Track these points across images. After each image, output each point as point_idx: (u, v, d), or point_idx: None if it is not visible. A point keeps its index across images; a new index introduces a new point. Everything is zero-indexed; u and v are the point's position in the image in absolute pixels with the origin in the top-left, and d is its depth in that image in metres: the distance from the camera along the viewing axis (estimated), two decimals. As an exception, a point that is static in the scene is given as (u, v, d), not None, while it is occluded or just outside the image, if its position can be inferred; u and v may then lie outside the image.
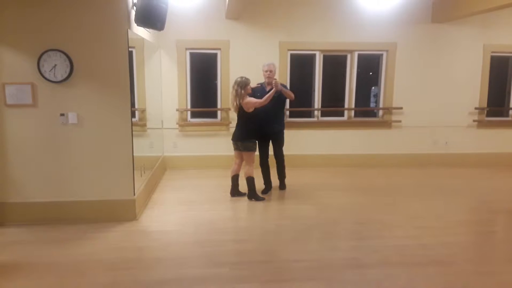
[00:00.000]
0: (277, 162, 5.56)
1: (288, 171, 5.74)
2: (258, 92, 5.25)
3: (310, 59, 7.11)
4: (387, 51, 7.03)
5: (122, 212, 4.39)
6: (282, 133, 5.50)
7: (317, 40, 6.86)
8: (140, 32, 4.94)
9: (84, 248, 3.73)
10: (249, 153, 5.07)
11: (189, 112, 6.95)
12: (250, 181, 5.11)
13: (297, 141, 7.07)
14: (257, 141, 5.17)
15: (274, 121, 5.34)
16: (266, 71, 5.22)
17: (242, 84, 4.94)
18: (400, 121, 7.17)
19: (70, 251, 3.67)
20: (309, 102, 7.23)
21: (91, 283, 3.09)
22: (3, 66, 4.11)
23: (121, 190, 4.39)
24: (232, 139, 5.20)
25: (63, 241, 3.88)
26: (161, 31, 5.03)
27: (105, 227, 4.20)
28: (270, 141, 5.53)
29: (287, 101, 5.61)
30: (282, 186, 5.68)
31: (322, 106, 7.17)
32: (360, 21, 6.85)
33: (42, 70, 4.08)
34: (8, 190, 4.30)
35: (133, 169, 4.41)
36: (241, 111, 5.02)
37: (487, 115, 7.39)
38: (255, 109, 4.98)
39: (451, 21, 6.87)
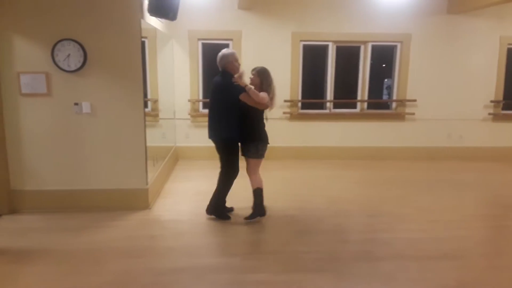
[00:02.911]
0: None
1: (299, 163, 5.72)
2: None
3: (323, 50, 7.05)
4: (401, 42, 6.93)
5: (135, 201, 4.43)
6: (223, 145, 4.09)
7: (330, 30, 6.79)
8: (152, 22, 4.94)
9: (98, 236, 3.78)
10: (251, 160, 4.15)
11: (201, 103, 6.96)
12: (256, 194, 4.18)
13: (309, 132, 7.06)
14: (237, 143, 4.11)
15: (213, 123, 4.14)
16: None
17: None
18: (413, 114, 7.09)
19: (84, 238, 3.73)
20: (321, 93, 7.19)
21: (105, 270, 3.13)
22: (18, 55, 4.15)
23: (134, 180, 4.43)
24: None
25: (78, 229, 3.94)
26: (174, 21, 5.03)
27: (119, 216, 4.25)
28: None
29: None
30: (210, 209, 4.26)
31: (334, 98, 7.12)
32: (374, 12, 6.75)
33: (56, 60, 4.11)
34: (24, 178, 4.37)
35: (146, 159, 4.44)
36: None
37: (503, 108, 7.26)
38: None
39: (467, 12, 6.74)
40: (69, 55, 4.11)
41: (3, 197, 4.28)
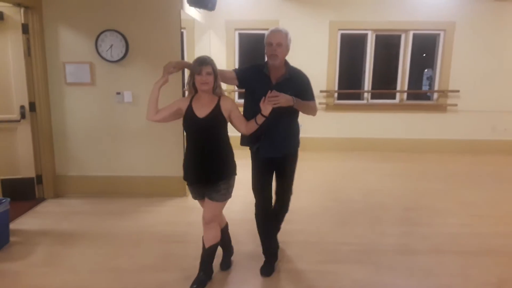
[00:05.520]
0: (277, 208, 3.15)
1: (335, 154, 5.62)
2: (255, 80, 2.87)
3: (361, 39, 6.89)
4: (444, 30, 6.67)
5: (173, 188, 4.53)
6: (294, 159, 3.03)
7: (370, 19, 6.62)
8: (191, 12, 4.98)
9: (138, 221, 3.91)
10: (224, 203, 2.79)
11: (236, 93, 7.00)
12: (213, 252, 2.82)
13: (345, 123, 6.96)
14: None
15: (280, 134, 2.86)
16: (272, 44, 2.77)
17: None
18: (456, 105, 6.82)
19: (125, 222, 3.87)
20: (358, 84, 7.05)
21: (145, 254, 3.25)
22: (63, 46, 4.31)
23: (172, 167, 4.52)
24: (193, 182, 2.75)
25: (119, 213, 4.09)
26: (212, 12, 5.05)
27: (157, 202, 4.37)
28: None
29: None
30: (269, 265, 3.02)
31: (372, 88, 6.97)
32: (417, -1, 6.53)
33: (100, 50, 4.24)
34: (68, 164, 4.56)
35: (184, 148, 4.52)
36: (212, 117, 2.60)
37: (553, 100, 6.87)
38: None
39: (517, -2, 6.40)
40: (112, 45, 4.23)
41: (48, 182, 4.49)
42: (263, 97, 2.56)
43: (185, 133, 2.67)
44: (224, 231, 3.00)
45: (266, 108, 2.56)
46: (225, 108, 2.62)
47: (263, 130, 2.74)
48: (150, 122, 4.51)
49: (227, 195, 2.73)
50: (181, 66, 2.82)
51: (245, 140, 2.95)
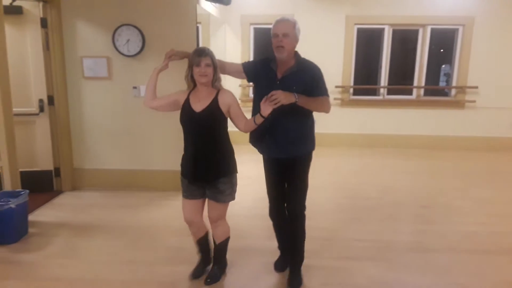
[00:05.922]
0: (289, 225, 2.85)
1: (350, 150, 5.55)
2: (261, 75, 2.69)
3: (378, 34, 6.81)
4: (463, 25, 6.54)
5: (187, 182, 4.56)
6: (304, 164, 2.72)
7: (387, 13, 6.54)
8: (207, 7, 4.98)
9: (153, 214, 3.96)
10: (227, 204, 2.72)
11: (251, 88, 6.99)
12: (224, 246, 2.87)
13: (361, 119, 6.90)
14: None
15: (285, 134, 2.61)
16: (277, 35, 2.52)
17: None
18: (474, 101, 6.70)
19: (140, 216, 3.92)
20: (374, 79, 6.97)
21: (161, 247, 3.29)
22: (81, 40, 4.36)
23: (187, 162, 4.55)
24: (190, 180, 2.69)
25: (134, 206, 4.15)
26: (227, 6, 5.05)
27: (171, 196, 4.40)
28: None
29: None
30: (294, 280, 2.78)
31: (388, 84, 6.89)
32: (435, -7, 6.41)
33: (117, 44, 4.28)
34: (85, 157, 4.63)
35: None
36: (209, 112, 2.50)
37: None
38: None
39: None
40: (128, 40, 4.26)
41: (66, 174, 4.57)
42: (265, 96, 2.37)
43: (182, 128, 2.61)
44: (205, 239, 2.91)
45: (265, 108, 2.36)
46: (223, 102, 2.49)
47: (267, 129, 2.58)
48: (165, 116, 4.54)
49: (232, 194, 2.66)
50: (183, 55, 2.72)
51: (250, 139, 2.83)
